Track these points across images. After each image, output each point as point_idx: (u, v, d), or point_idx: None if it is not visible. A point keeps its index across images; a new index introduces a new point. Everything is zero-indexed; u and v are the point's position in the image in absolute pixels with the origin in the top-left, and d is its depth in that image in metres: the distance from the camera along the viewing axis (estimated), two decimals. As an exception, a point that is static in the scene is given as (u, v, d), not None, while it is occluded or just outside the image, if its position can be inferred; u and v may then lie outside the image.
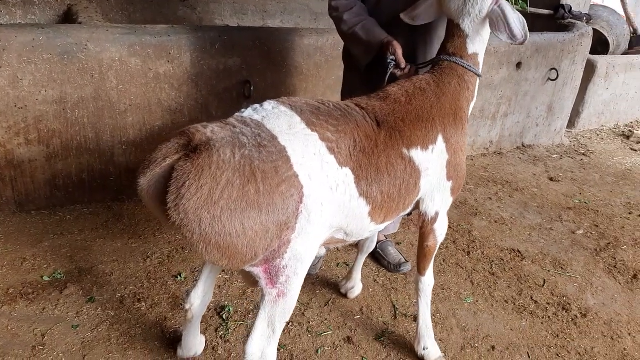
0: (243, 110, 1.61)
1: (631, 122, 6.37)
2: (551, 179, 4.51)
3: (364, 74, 2.39)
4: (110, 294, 2.48)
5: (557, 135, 5.48)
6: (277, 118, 1.53)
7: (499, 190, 4.17)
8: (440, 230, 2.08)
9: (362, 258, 2.53)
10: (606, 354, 2.42)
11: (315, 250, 1.62)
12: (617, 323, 2.65)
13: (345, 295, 2.57)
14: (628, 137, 5.86)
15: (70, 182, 3.09)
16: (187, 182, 1.29)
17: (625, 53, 6.20)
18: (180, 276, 2.63)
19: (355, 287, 2.56)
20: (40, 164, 2.97)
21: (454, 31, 2.01)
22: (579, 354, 2.41)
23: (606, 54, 5.94)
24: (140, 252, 2.81)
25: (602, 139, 5.81)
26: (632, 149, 5.55)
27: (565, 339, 2.51)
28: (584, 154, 5.25)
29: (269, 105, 1.60)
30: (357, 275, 2.56)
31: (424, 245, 2.10)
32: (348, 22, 2.25)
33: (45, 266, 2.63)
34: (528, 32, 1.92)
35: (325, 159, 1.56)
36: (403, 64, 2.14)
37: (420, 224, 2.07)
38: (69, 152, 3.01)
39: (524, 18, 1.94)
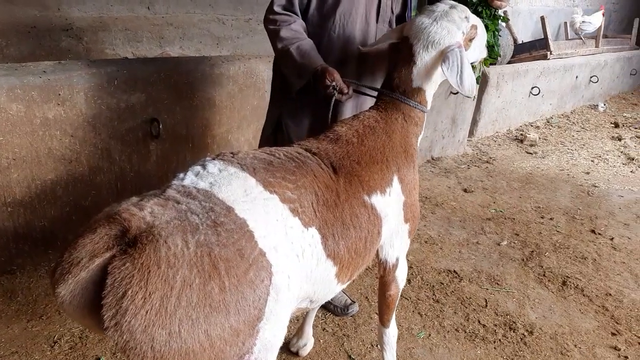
0: (181, 175, 1.31)
1: (521, 126, 6.82)
2: (465, 190, 4.61)
3: (297, 97, 2.22)
4: (12, 399, 2.00)
5: (461, 145, 5.68)
6: (229, 183, 1.26)
7: (421, 207, 4.15)
8: (402, 276, 1.92)
9: (314, 312, 2.30)
10: (561, 373, 2.42)
11: (284, 330, 1.37)
12: (562, 335, 2.68)
13: (296, 354, 2.32)
14: (521, 141, 6.24)
15: (-59, 259, 2.52)
16: (130, 291, 0.97)
17: (509, 62, 6.63)
18: (100, 361, 2.22)
19: (308, 343, 2.32)
20: None
21: (404, 55, 1.87)
22: (538, 377, 2.39)
23: (495, 64, 6.29)
24: (44, 336, 2.33)
25: (499, 144, 6.13)
26: (527, 152, 5.91)
27: (520, 362, 2.48)
28: (487, 162, 5.48)
29: (213, 167, 1.32)
30: (309, 329, 2.32)
31: (386, 295, 1.92)
32: (284, 39, 2.07)
33: None
34: (475, 91, 1.83)
35: (289, 223, 1.32)
36: (346, 88, 1.99)
37: (381, 272, 1.89)
38: (-64, 222, 2.45)
39: (475, 79, 1.86)
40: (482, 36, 1.98)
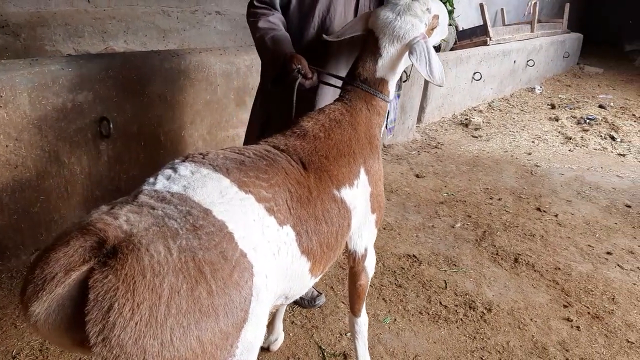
0: (151, 180, 1.26)
1: (464, 111, 7.05)
2: (417, 176, 4.73)
3: (268, 90, 2.24)
4: (-30, 421, 1.90)
5: (410, 131, 5.81)
6: (203, 185, 1.24)
7: (377, 195, 4.24)
8: (371, 266, 1.96)
9: (284, 306, 2.31)
10: (521, 345, 2.55)
11: (264, 330, 1.37)
12: (518, 311, 2.82)
13: (267, 349, 2.33)
14: (466, 125, 6.46)
15: None
16: (117, 303, 0.94)
17: (452, 49, 6.81)
18: (64, 372, 2.14)
19: (279, 337, 2.33)
20: None
21: (369, 48, 1.89)
22: (499, 352, 2.51)
23: (438, 52, 6.45)
24: (1, 352, 2.21)
25: (446, 130, 6.32)
26: (473, 136, 6.13)
27: (482, 339, 2.59)
28: (436, 147, 5.64)
29: (185, 169, 1.29)
30: (280, 324, 2.32)
31: (356, 285, 1.96)
32: (260, 30, 2.11)
33: None
34: (444, 78, 1.88)
35: (266, 222, 1.32)
36: (310, 73, 2.00)
37: (351, 263, 1.92)
38: None
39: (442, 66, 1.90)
40: (443, 23, 2.03)
